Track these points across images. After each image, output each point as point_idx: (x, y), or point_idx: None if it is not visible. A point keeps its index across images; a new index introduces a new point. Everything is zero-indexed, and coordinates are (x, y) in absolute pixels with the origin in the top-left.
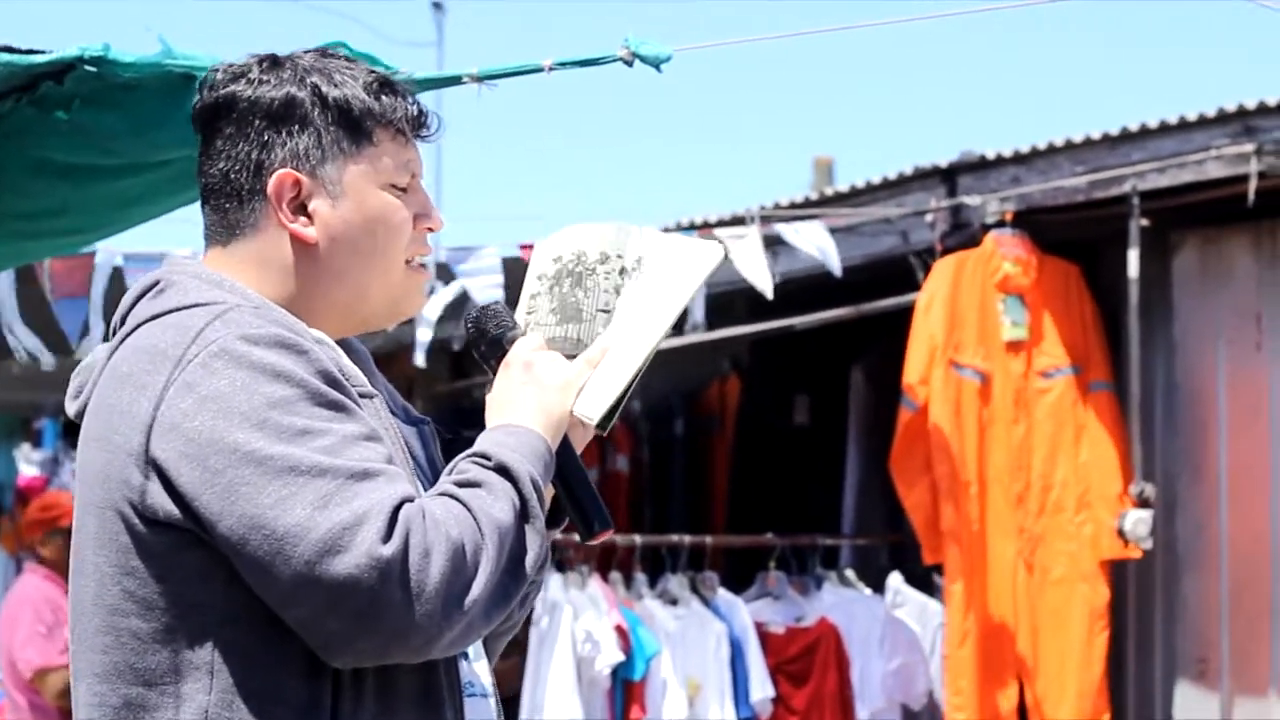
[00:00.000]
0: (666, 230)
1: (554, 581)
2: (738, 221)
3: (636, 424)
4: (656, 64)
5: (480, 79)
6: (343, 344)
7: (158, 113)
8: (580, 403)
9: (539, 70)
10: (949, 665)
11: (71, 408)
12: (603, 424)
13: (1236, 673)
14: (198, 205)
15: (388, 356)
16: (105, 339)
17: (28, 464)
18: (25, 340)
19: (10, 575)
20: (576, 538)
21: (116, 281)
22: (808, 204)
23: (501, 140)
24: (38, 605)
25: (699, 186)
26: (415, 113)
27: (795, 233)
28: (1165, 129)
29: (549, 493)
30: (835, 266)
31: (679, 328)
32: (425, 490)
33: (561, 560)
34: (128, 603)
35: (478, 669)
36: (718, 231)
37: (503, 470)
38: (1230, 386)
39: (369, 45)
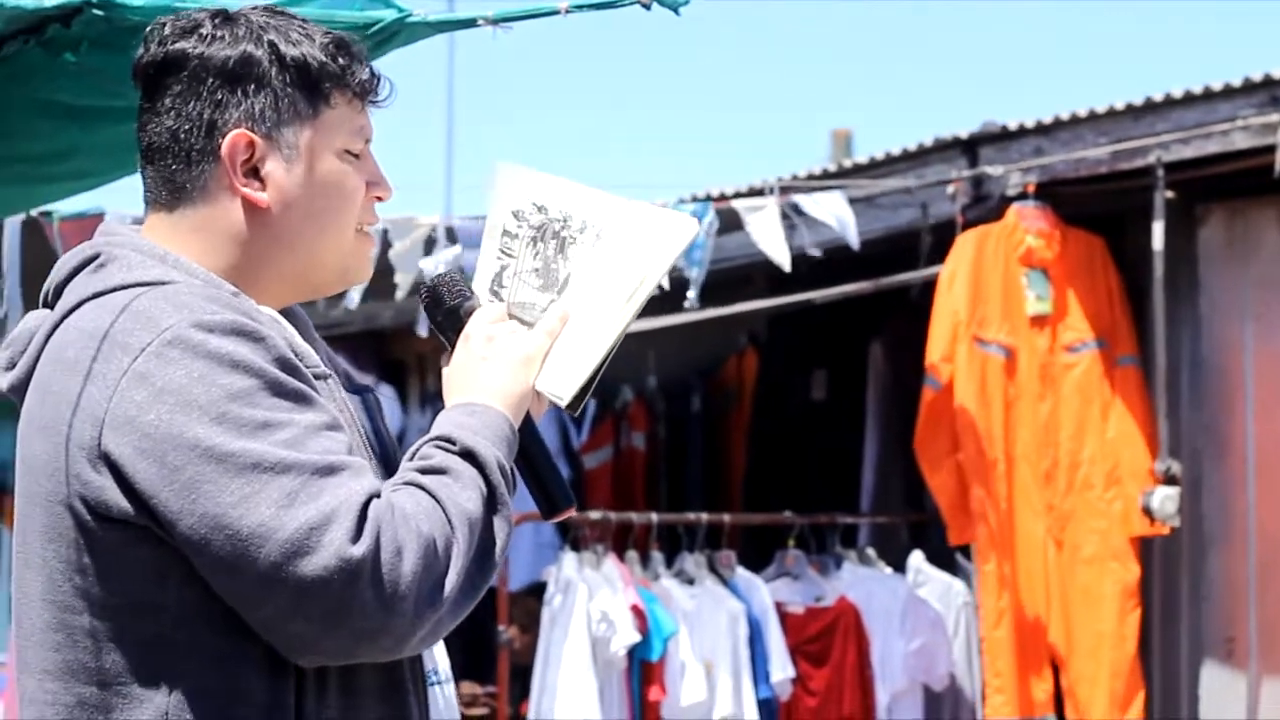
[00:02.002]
0: (682, 201)
1: (568, 560)
2: (756, 193)
3: (653, 401)
4: (675, 7)
5: (495, 22)
6: (285, 312)
7: None
8: (547, 379)
9: (555, 13)
10: (986, 647)
11: (3, 380)
12: (573, 405)
13: (1264, 652)
14: None
15: (397, 332)
16: (45, 307)
17: None
18: (13, 306)
19: (11, 554)
20: (592, 515)
21: None
22: (826, 175)
23: (515, 109)
24: None
25: (713, 158)
26: (369, 77)
27: (815, 203)
28: (1190, 99)
29: None
30: (853, 238)
31: (675, 303)
32: (375, 465)
33: (576, 539)
34: (80, 600)
35: (437, 655)
36: (736, 203)
37: (469, 456)
38: (1257, 361)
39: None
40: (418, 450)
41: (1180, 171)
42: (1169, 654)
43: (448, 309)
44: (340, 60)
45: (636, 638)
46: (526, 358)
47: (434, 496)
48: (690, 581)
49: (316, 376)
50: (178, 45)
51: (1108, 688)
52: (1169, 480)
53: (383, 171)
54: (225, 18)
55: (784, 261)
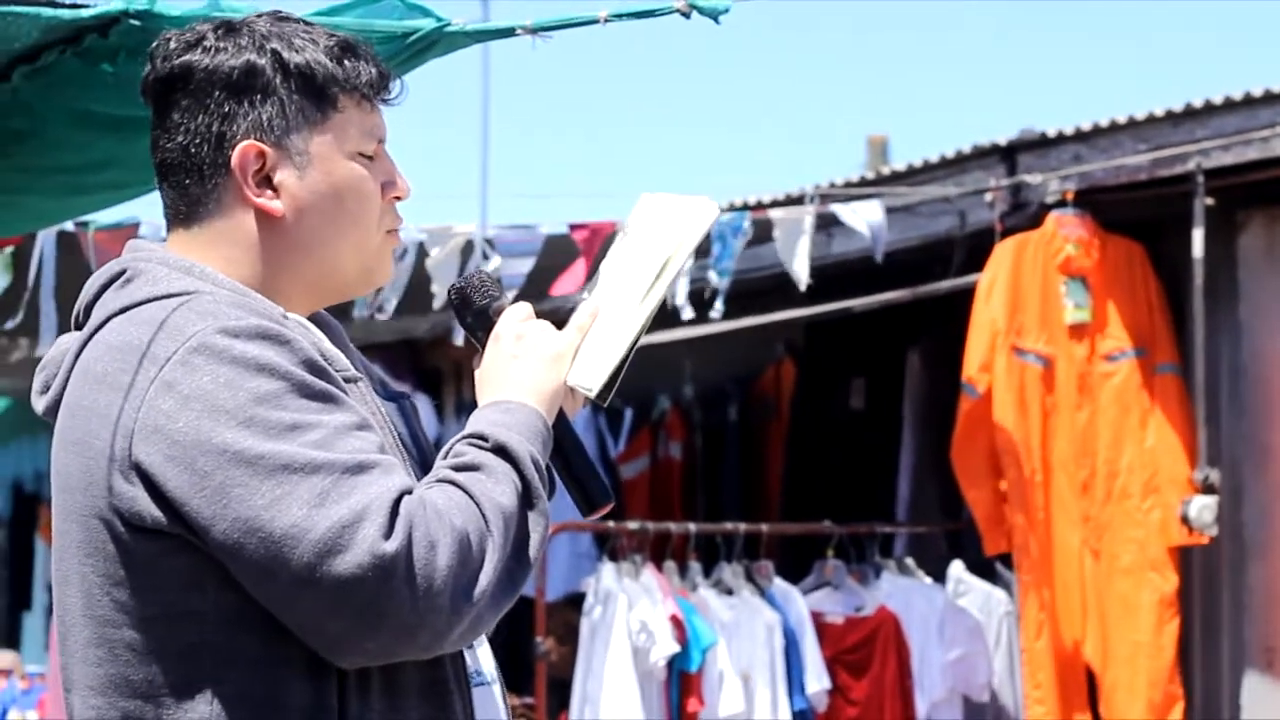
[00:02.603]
0: (721, 210)
1: (607, 571)
2: (794, 201)
3: (690, 410)
4: (714, 15)
5: (534, 31)
6: (315, 319)
7: None
8: (576, 373)
9: (594, 22)
10: (1027, 658)
11: (39, 404)
12: (602, 395)
13: None
14: None
15: (434, 342)
16: (76, 327)
17: None
18: (46, 317)
19: (49, 566)
20: (630, 525)
21: None
22: (864, 183)
23: (552, 118)
24: None
25: (747, 167)
26: (377, 76)
27: (851, 212)
28: (1230, 105)
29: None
30: (879, 250)
31: (705, 308)
32: (411, 469)
33: (614, 549)
34: (119, 614)
35: (481, 655)
36: (773, 212)
37: (502, 451)
38: None
39: None
40: (451, 449)
41: (1220, 178)
42: (1210, 664)
43: (477, 309)
44: (346, 63)
45: (676, 648)
46: (557, 354)
47: (467, 492)
48: (728, 592)
49: (347, 380)
50: (181, 60)
51: (1145, 698)
52: (1207, 489)
53: (399, 171)
54: (228, 28)
55: (802, 278)
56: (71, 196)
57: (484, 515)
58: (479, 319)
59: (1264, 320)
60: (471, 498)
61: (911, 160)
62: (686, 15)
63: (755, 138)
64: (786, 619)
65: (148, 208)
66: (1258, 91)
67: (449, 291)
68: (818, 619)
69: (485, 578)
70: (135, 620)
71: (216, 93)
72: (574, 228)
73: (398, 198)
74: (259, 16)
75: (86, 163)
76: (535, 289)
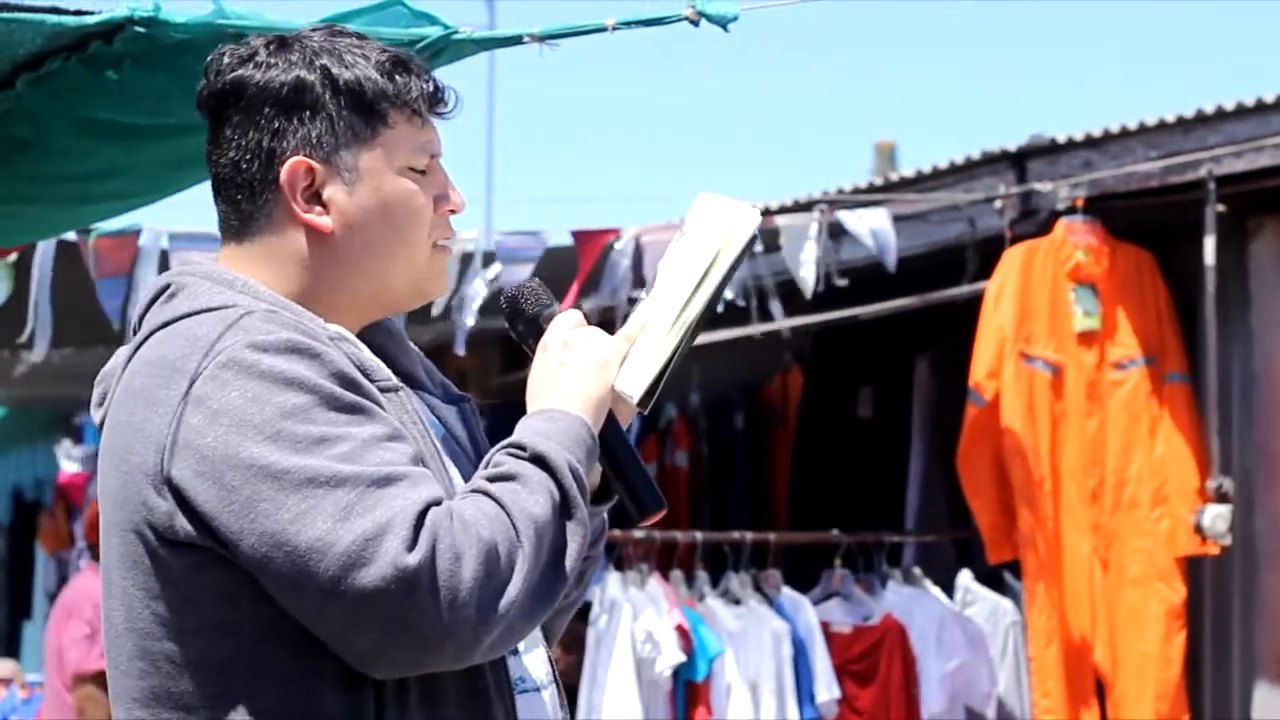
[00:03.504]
0: None
1: (612, 580)
2: (802, 208)
3: (696, 419)
4: (723, 23)
5: (541, 39)
6: (375, 324)
7: None
8: (621, 378)
9: (602, 30)
10: (1035, 667)
11: (96, 416)
12: (644, 401)
13: None
14: None
15: (436, 349)
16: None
17: (69, 460)
18: (41, 326)
19: (51, 574)
20: (636, 534)
21: (164, 265)
22: (872, 190)
23: (558, 126)
24: (84, 605)
25: (756, 172)
26: (431, 90)
27: (858, 219)
28: (1242, 111)
29: (597, 474)
30: (890, 258)
31: (717, 320)
32: (469, 470)
33: (620, 558)
34: (158, 627)
35: (528, 662)
36: (779, 219)
37: (539, 460)
38: None
39: (421, 3)
40: (491, 458)
41: (1232, 185)
42: (1221, 675)
43: (528, 318)
44: (398, 78)
45: (682, 658)
46: (604, 361)
47: (499, 502)
48: (735, 601)
49: (384, 390)
50: (234, 74)
51: (1153, 710)
52: (1220, 498)
53: (452, 184)
54: (281, 43)
55: (807, 285)
56: (76, 206)
57: (515, 526)
58: (530, 327)
59: (1276, 328)
60: (503, 508)
61: (920, 167)
62: (695, 23)
63: (763, 144)
64: (795, 628)
65: (149, 216)
66: (1270, 97)
67: (501, 300)
68: (825, 629)
69: (514, 588)
70: (173, 633)
71: (266, 109)
72: (577, 235)
73: (451, 211)
74: (314, 30)
75: (91, 171)
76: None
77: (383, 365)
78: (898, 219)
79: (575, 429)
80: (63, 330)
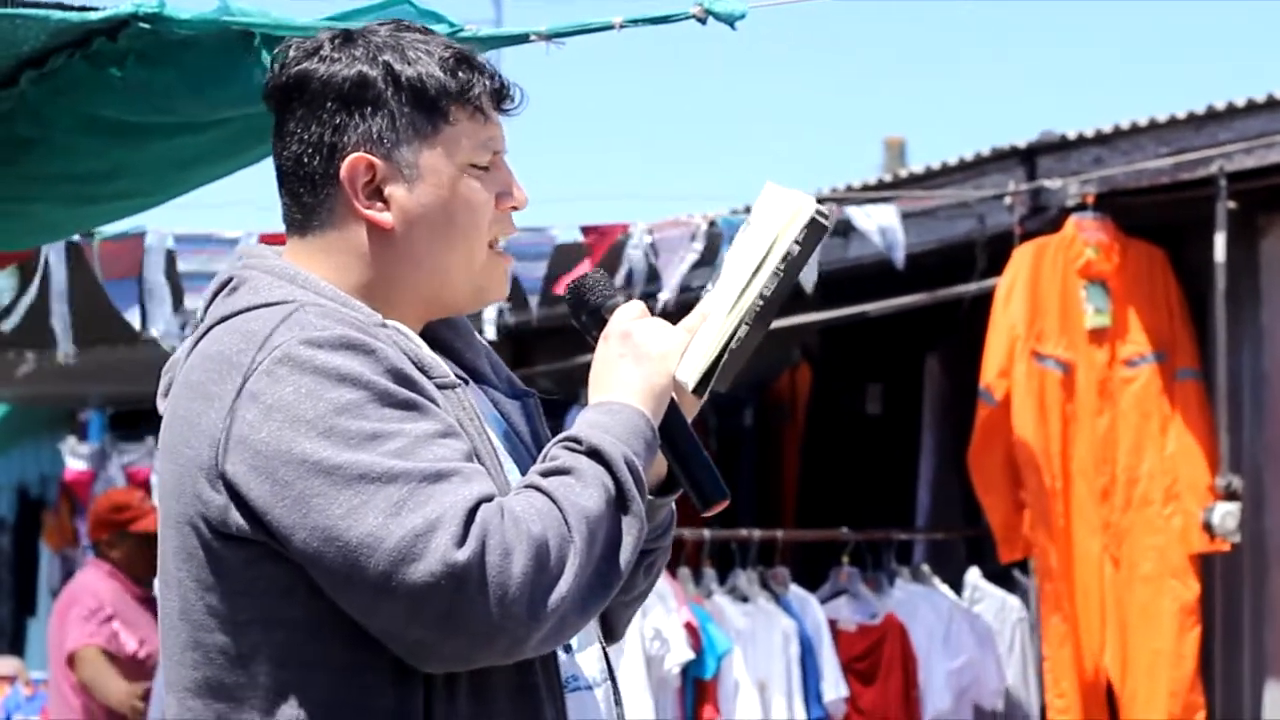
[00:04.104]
0: (734, 212)
1: None
2: None
3: (704, 415)
4: (730, 21)
5: (548, 37)
6: (443, 321)
7: (215, 70)
8: (680, 367)
9: (609, 28)
10: (1049, 666)
11: (161, 406)
12: (699, 389)
13: None
14: (255, 186)
15: None
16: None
17: (74, 458)
18: (64, 329)
19: (55, 572)
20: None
21: (171, 266)
22: (881, 186)
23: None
24: (85, 597)
25: (763, 168)
26: (495, 87)
27: (866, 216)
28: (1254, 107)
29: (662, 466)
30: (898, 255)
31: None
32: (530, 466)
33: None
34: (211, 619)
35: (581, 660)
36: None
37: (595, 454)
38: None
39: (431, 2)
40: (547, 452)
41: (1243, 182)
42: (1230, 674)
43: (591, 309)
44: (460, 74)
45: (691, 656)
46: (664, 353)
47: (551, 497)
48: (743, 599)
49: (441, 386)
50: (299, 68)
51: (1165, 708)
52: (1230, 495)
53: (515, 181)
54: (346, 38)
55: (808, 282)
56: (81, 206)
57: (567, 521)
58: (593, 318)
59: None
60: (555, 503)
61: (929, 163)
62: (702, 21)
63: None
64: (803, 626)
65: (152, 218)
66: None
67: (565, 291)
68: (832, 627)
69: (565, 584)
70: (227, 625)
71: (329, 103)
72: (586, 231)
73: (514, 207)
74: (381, 25)
75: (95, 171)
76: (554, 294)
77: (440, 362)
78: (907, 216)
79: (633, 421)
80: (81, 329)
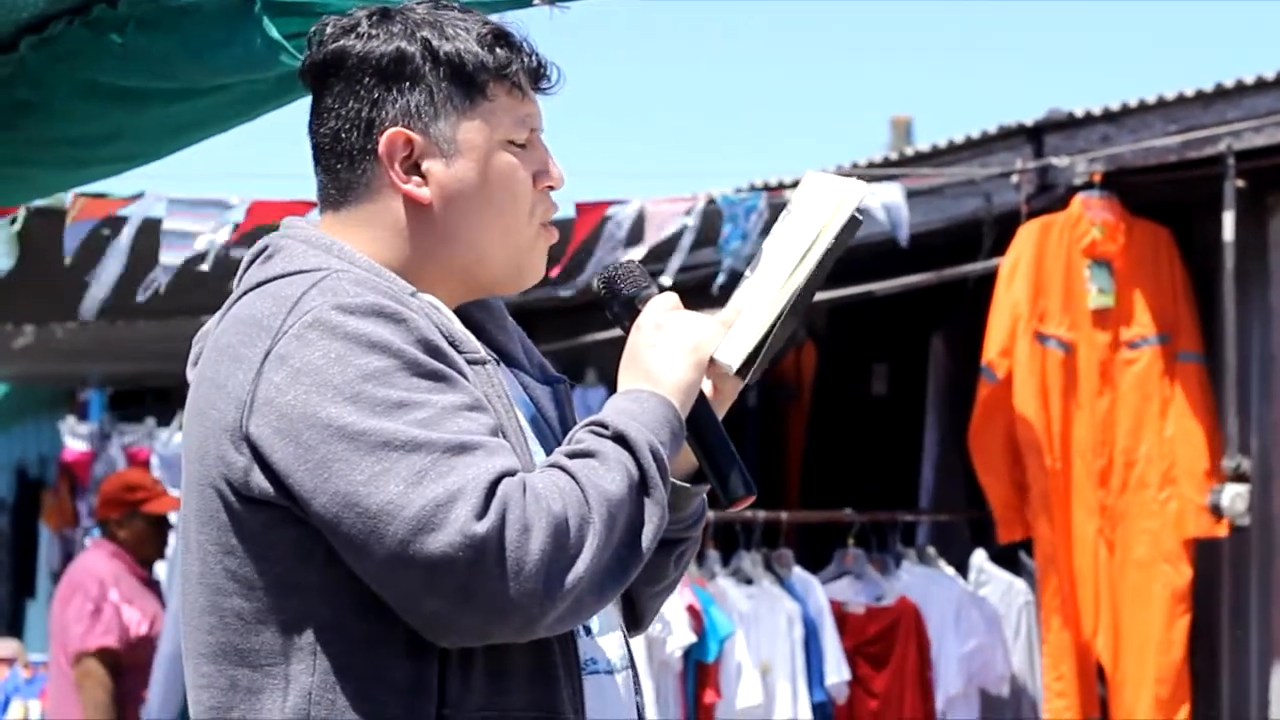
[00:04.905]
0: (739, 191)
1: None
2: None
3: None
4: None
5: (552, 1)
6: (476, 302)
7: (215, 37)
8: (721, 349)
9: None
10: (1048, 649)
11: (190, 375)
12: (743, 370)
13: None
14: (254, 160)
15: None
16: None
17: (74, 438)
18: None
19: (55, 552)
20: None
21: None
22: (887, 164)
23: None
24: (89, 582)
25: (769, 147)
26: (534, 65)
27: (871, 194)
28: (1262, 85)
29: (685, 456)
30: (903, 234)
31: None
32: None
33: None
34: (230, 582)
35: (602, 643)
36: (789, 193)
37: (620, 439)
38: None
39: None
40: (573, 435)
41: (1252, 160)
42: (1237, 659)
43: (624, 299)
44: (499, 50)
45: (693, 639)
46: (696, 344)
47: (574, 477)
48: (747, 581)
49: (472, 361)
50: (336, 45)
51: (1152, 693)
52: (1238, 478)
53: (553, 159)
54: (383, 14)
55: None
56: (76, 169)
57: (588, 501)
58: (626, 308)
59: None
60: (577, 483)
61: (936, 141)
62: None
63: (779, 119)
64: (806, 609)
65: (152, 180)
66: None
67: (596, 281)
68: (838, 609)
69: (583, 564)
70: (244, 589)
71: (367, 79)
72: (581, 206)
73: (551, 187)
74: (419, 3)
75: (93, 135)
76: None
77: (473, 338)
78: (913, 194)
79: (660, 410)
80: (66, 305)
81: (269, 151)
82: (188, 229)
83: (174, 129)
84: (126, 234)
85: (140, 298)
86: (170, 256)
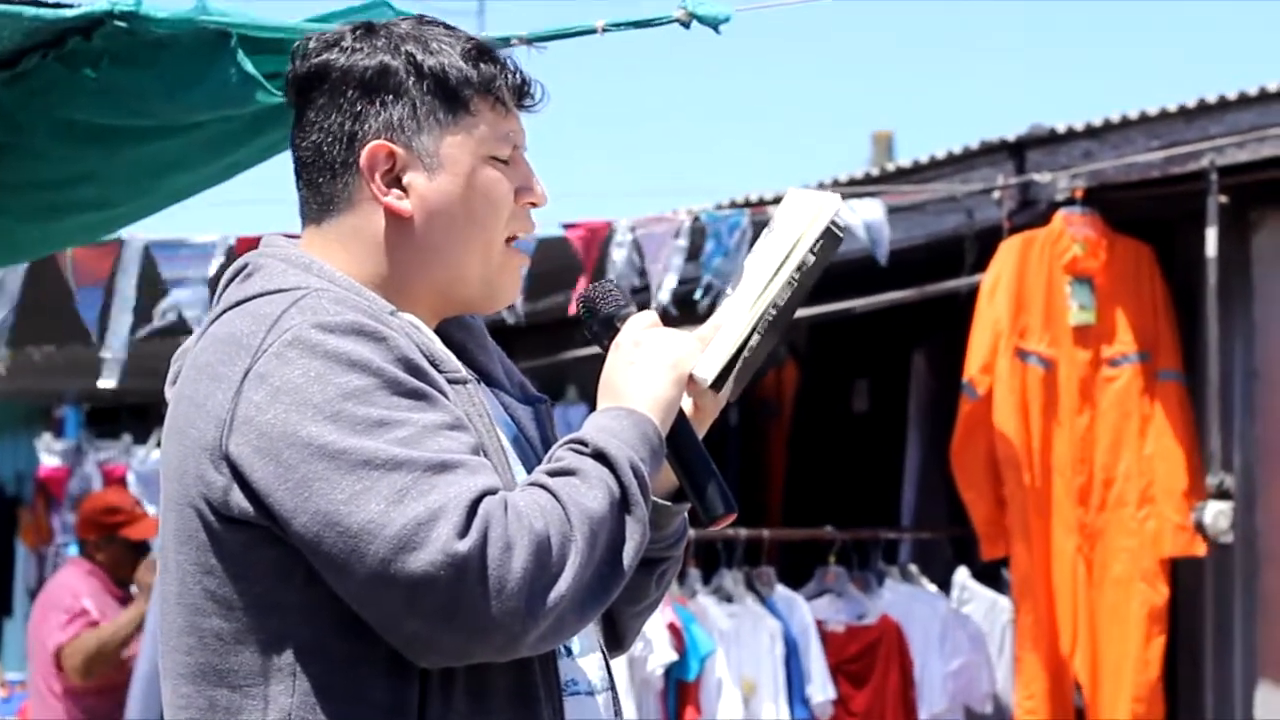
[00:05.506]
0: (720, 208)
1: None
2: None
3: None
4: (715, 24)
5: (529, 41)
6: (456, 320)
7: (191, 72)
8: (697, 365)
9: (591, 32)
10: (1021, 667)
11: (169, 394)
12: (717, 384)
13: None
14: (234, 189)
15: None
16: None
17: (49, 454)
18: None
19: (31, 570)
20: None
21: (145, 272)
22: (868, 180)
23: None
24: (64, 596)
25: (749, 163)
26: (518, 82)
27: (851, 211)
28: (1245, 100)
29: (666, 475)
30: (882, 252)
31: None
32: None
33: None
34: (209, 603)
35: (583, 665)
36: (771, 209)
37: (600, 456)
38: None
39: (410, 5)
40: (553, 454)
41: (1234, 176)
42: (1221, 676)
43: (602, 318)
44: (483, 66)
45: (674, 657)
46: (675, 361)
47: (555, 495)
48: (728, 599)
49: (453, 381)
50: (319, 59)
51: (1129, 711)
52: (1221, 495)
53: (535, 177)
54: (367, 30)
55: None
56: (50, 219)
57: (569, 519)
58: (605, 327)
59: (1278, 321)
60: (558, 501)
61: (918, 157)
62: (686, 25)
63: (759, 135)
64: (789, 627)
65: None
66: (1273, 87)
67: (576, 301)
68: (819, 627)
69: (565, 582)
70: (224, 609)
71: (350, 92)
72: (569, 227)
73: (533, 203)
74: (403, 19)
75: (67, 177)
76: (536, 290)
77: (453, 357)
78: (895, 210)
79: (640, 427)
80: (44, 327)
81: (246, 178)
82: (187, 275)
83: (147, 171)
84: (125, 284)
85: (157, 323)
86: (179, 294)
